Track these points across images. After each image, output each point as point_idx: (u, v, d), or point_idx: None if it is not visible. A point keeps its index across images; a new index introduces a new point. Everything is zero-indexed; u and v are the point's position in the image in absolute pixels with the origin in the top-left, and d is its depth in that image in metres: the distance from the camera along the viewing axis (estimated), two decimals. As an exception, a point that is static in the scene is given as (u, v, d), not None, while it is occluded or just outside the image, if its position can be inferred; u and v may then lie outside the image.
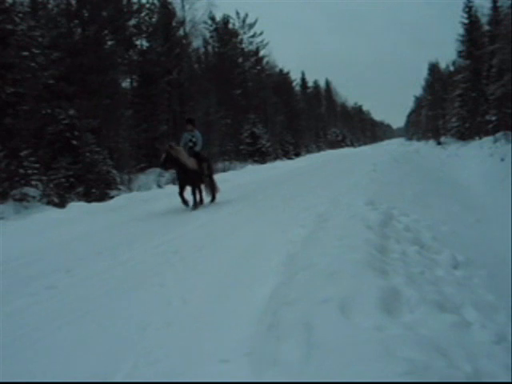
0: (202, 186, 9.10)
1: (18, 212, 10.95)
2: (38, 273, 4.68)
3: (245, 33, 35.31)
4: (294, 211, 6.87)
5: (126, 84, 22.57)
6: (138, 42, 22.98)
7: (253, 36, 35.73)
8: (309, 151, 44.97)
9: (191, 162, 8.57)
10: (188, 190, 8.62)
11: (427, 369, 1.94)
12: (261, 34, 35.85)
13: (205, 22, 29.84)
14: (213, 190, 9.29)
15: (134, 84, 23.07)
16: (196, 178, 8.63)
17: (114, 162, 16.69)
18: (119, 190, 15.97)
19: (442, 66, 47.08)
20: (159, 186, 16.49)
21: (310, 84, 58.46)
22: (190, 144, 9.06)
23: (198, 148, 9.05)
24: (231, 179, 15.72)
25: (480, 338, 2.48)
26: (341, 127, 65.71)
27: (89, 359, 2.73)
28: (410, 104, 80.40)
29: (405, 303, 2.75)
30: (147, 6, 23.17)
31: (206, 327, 3.06)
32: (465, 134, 31.08)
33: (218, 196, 9.31)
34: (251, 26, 35.34)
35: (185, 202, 8.40)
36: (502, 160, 15.05)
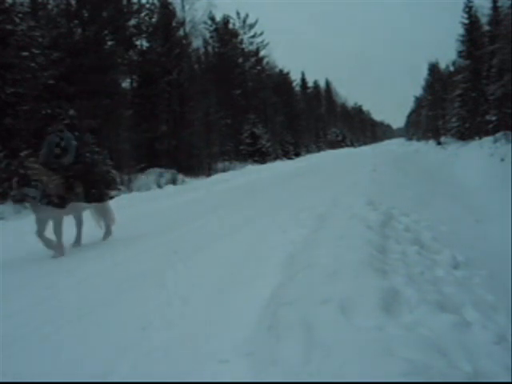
0: (96, 214, 6.54)
1: (18, 212, 10.94)
2: (37, 273, 4.69)
3: (245, 33, 35.31)
4: (295, 211, 6.87)
5: (125, 84, 22.55)
6: (138, 42, 22.96)
7: (253, 36, 35.73)
8: (309, 151, 44.96)
9: (53, 183, 5.78)
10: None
11: (427, 369, 1.94)
12: (261, 34, 35.89)
13: (205, 23, 29.87)
14: (107, 219, 6.53)
15: (134, 84, 23.05)
16: (57, 207, 5.72)
17: (114, 162, 16.68)
18: (119, 190, 15.97)
19: (442, 66, 47.06)
20: (159, 186, 16.50)
21: (310, 84, 58.44)
22: (57, 151, 6.18)
23: (68, 159, 6.15)
24: (231, 179, 15.75)
25: (480, 337, 2.48)
26: (341, 127, 65.66)
27: (89, 359, 2.73)
28: (410, 104, 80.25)
29: (405, 303, 2.75)
30: (147, 6, 23.15)
31: (206, 327, 3.06)
32: (465, 134, 31.03)
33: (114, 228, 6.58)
34: (251, 26, 35.36)
35: (48, 243, 5.60)
36: (502, 160, 15.03)
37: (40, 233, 5.55)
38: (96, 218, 6.59)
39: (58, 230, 5.66)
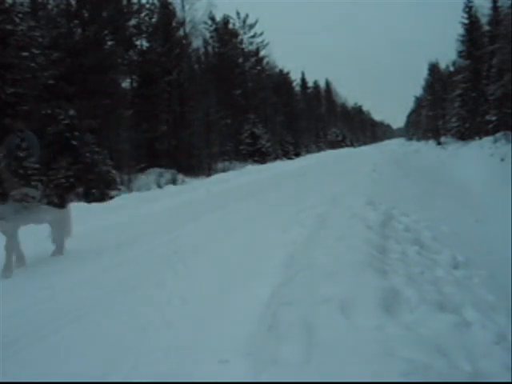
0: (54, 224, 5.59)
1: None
2: (37, 273, 4.68)
3: (245, 33, 35.29)
4: (295, 211, 6.87)
5: (125, 84, 22.56)
6: (138, 43, 22.98)
7: (253, 36, 35.71)
8: (309, 151, 44.92)
9: (18, 190, 5.34)
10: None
11: (427, 369, 1.94)
12: (261, 34, 35.86)
13: (205, 23, 29.85)
14: (63, 232, 5.62)
15: (134, 84, 23.05)
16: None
17: (114, 162, 16.69)
18: (119, 190, 15.97)
19: (442, 66, 47.06)
20: (159, 186, 16.50)
21: (310, 84, 58.37)
22: (20, 154, 5.46)
23: (33, 162, 5.56)
24: (231, 179, 15.74)
25: (480, 338, 2.48)
26: (341, 127, 65.59)
27: (89, 359, 2.72)
28: (410, 104, 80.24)
29: (405, 303, 2.75)
30: (147, 6, 23.17)
31: (206, 327, 3.06)
32: (465, 134, 31.02)
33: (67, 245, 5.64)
34: (251, 26, 35.34)
35: (10, 264, 4.78)
36: (502, 160, 15.03)
37: (12, 243, 4.93)
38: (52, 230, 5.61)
39: (8, 245, 4.89)
